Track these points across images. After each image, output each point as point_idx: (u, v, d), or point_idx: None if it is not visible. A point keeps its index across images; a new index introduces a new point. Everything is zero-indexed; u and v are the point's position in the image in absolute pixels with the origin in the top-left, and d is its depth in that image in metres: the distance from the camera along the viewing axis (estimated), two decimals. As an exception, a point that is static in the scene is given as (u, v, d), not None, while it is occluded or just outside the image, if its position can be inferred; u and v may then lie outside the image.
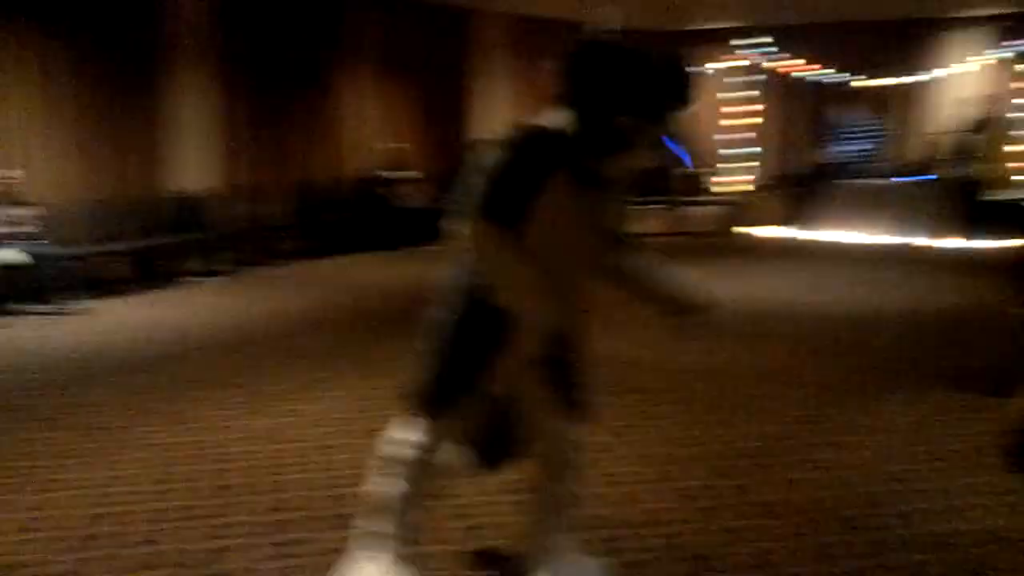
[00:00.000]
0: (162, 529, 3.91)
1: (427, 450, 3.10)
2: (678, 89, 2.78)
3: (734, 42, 16.49)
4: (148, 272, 10.26)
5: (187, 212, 10.78)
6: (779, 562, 3.60)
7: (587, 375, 3.21)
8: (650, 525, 3.93)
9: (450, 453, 3.18)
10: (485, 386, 2.99)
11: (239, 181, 11.55)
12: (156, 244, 10.35)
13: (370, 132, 13.51)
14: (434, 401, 3.03)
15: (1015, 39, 14.91)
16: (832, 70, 14.63)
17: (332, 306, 9.06)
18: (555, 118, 2.83)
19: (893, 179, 13.63)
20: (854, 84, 14.87)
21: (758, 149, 15.24)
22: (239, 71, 11.41)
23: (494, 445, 3.16)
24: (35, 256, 8.76)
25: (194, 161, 11.07)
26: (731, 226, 14.10)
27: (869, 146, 14.47)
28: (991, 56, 15.11)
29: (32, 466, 4.74)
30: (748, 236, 13.73)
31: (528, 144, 2.79)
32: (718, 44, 17.19)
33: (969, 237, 12.33)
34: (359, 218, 12.70)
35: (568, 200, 2.81)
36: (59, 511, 4.13)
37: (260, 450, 4.94)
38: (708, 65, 15.89)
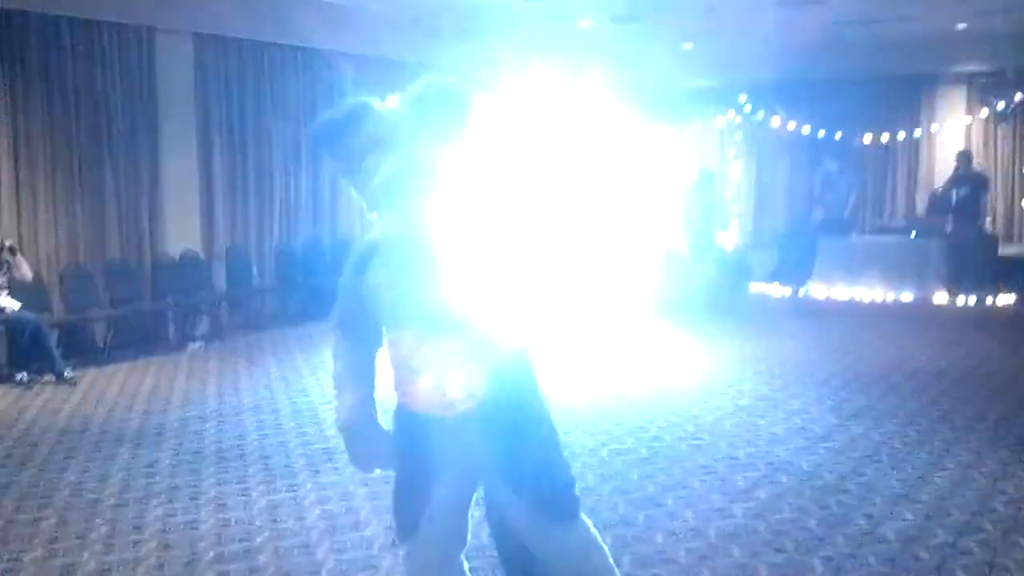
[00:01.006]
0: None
1: None
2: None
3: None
4: (129, 338, 9.84)
5: (168, 275, 10.38)
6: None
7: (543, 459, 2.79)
8: None
9: None
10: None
11: (220, 244, 11.18)
12: (137, 310, 9.93)
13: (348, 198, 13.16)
14: (404, 523, 2.90)
15: (994, 96, 15.01)
16: (820, 128, 14.52)
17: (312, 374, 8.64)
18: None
19: (894, 235, 13.44)
20: (845, 139, 14.79)
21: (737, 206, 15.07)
22: (221, 136, 11.11)
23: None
24: (14, 322, 8.37)
25: (180, 223, 10.71)
26: (725, 282, 13.85)
27: (862, 200, 14.34)
28: (980, 112, 15.17)
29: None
30: (746, 293, 13.48)
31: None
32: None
33: (983, 292, 12.09)
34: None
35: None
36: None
37: (286, 526, 4.66)
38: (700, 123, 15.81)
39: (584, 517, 2.84)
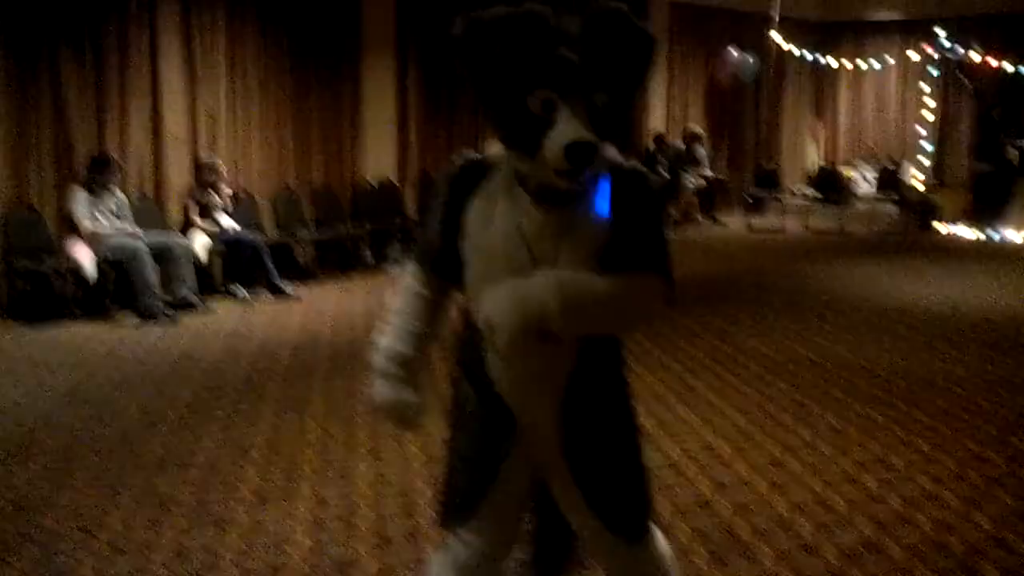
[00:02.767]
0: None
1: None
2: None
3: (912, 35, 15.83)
4: (334, 259, 10.30)
5: (375, 201, 10.77)
6: None
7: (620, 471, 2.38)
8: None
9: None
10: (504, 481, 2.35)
11: (413, 170, 11.48)
12: (347, 232, 10.35)
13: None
14: (454, 510, 2.42)
15: None
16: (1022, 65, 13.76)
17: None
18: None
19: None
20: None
21: (928, 145, 14.46)
22: (420, 65, 11.35)
23: (549, 553, 2.61)
24: (234, 242, 8.84)
25: (376, 151, 11.05)
26: (913, 226, 13.45)
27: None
28: None
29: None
30: (936, 235, 13.07)
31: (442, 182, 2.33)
32: (894, 36, 16.64)
33: None
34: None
35: (504, 231, 2.18)
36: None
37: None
38: (887, 57, 15.22)
39: (657, 534, 2.47)
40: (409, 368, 2.34)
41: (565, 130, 1.98)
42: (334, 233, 10.27)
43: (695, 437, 5.06)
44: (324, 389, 5.95)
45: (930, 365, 6.52)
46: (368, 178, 10.94)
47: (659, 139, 14.14)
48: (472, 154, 2.33)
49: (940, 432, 5.14)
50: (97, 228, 7.98)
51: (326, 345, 7.10)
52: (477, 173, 2.25)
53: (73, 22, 8.38)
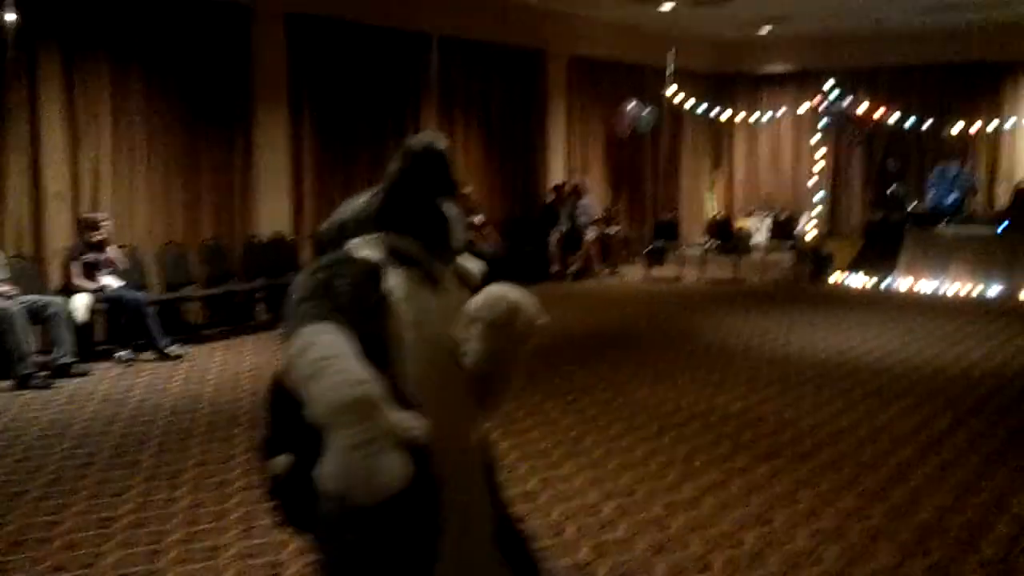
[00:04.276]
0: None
1: None
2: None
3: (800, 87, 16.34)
4: (225, 317, 10.03)
5: (269, 255, 10.55)
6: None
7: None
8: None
9: None
10: None
11: (307, 226, 11.30)
12: (231, 289, 10.09)
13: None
14: None
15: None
16: (909, 115, 14.24)
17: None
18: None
19: (982, 227, 13.10)
20: (933, 129, 14.51)
21: (821, 194, 14.81)
22: (313, 119, 11.25)
23: None
24: (116, 300, 8.53)
25: (269, 207, 10.85)
26: (806, 275, 13.71)
27: (956, 192, 14.06)
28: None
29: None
30: (828, 284, 13.32)
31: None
32: (788, 87, 17.11)
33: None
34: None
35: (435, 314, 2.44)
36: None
37: None
38: (781, 108, 15.60)
39: None
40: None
41: (459, 221, 2.55)
42: (225, 289, 10.01)
43: (580, 496, 4.98)
44: (199, 455, 5.71)
45: (816, 415, 6.57)
46: (261, 232, 10.72)
47: (558, 189, 14.26)
48: (357, 248, 2.41)
49: (822, 486, 5.14)
50: (-34, 289, 7.62)
51: (206, 407, 6.84)
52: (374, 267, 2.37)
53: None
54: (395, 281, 2.34)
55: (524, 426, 6.26)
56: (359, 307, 2.24)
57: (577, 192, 14.44)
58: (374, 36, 11.85)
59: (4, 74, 8.47)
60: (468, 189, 13.08)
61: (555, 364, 8.11)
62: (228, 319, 10.07)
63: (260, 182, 10.74)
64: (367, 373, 2.08)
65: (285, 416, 2.32)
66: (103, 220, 8.75)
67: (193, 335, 9.48)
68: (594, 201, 14.73)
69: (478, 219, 12.94)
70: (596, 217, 14.47)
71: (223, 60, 10.23)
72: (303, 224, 11.23)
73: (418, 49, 12.59)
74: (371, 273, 2.33)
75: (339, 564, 2.31)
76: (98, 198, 9.21)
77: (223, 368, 8.19)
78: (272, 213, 10.87)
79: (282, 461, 2.37)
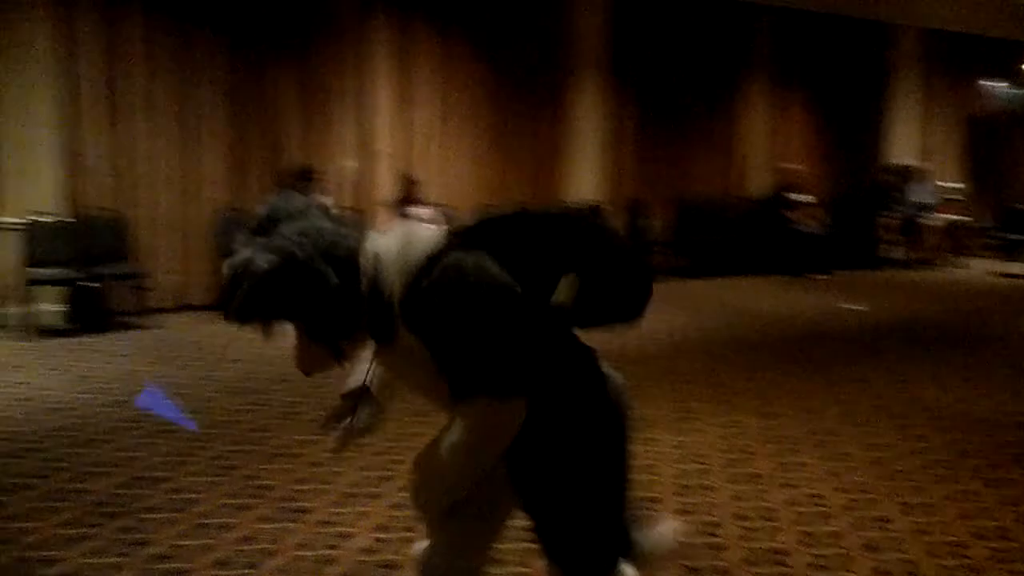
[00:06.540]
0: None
1: None
2: None
3: None
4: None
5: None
6: None
7: None
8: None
9: None
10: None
11: (621, 194, 11.50)
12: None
13: (761, 151, 13.02)
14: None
15: None
16: None
17: (698, 329, 8.68)
18: None
19: None
20: None
21: None
22: (630, 86, 11.39)
23: None
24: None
25: (580, 174, 11.17)
26: None
27: None
28: None
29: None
30: None
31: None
32: None
33: None
34: (745, 239, 12.28)
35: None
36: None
37: (636, 479, 4.70)
38: None
39: None
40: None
41: None
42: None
43: (808, 484, 4.77)
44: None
45: None
46: (571, 200, 11.04)
47: (893, 170, 13.49)
48: None
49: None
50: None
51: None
52: None
53: (289, 39, 9.05)
54: None
55: (777, 408, 6.08)
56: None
57: (914, 174, 13.52)
58: (700, 5, 11.75)
59: (342, 40, 9.36)
60: (797, 166, 12.73)
61: (843, 352, 7.74)
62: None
63: (573, 151, 11.08)
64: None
65: None
66: (417, 179, 9.49)
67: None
68: (934, 186, 13.72)
69: (807, 198, 12.54)
70: (935, 203, 13.47)
71: (542, 31, 10.62)
72: (616, 194, 11.45)
73: (747, 20, 12.33)
74: None
75: None
76: (419, 159, 9.96)
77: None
78: (583, 182, 11.18)
79: None
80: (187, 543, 3.89)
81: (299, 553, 3.82)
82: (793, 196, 12.39)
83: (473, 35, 10.22)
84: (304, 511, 4.24)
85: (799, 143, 13.20)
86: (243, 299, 1.99)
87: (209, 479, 4.62)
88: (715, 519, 4.26)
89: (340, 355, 2.14)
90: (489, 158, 10.51)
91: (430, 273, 2.03)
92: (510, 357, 2.05)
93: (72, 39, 8.07)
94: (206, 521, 4.11)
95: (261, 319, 2.03)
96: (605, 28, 11.14)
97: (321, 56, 9.23)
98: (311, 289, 1.99)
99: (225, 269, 2.02)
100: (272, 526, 4.06)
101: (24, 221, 7.89)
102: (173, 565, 3.69)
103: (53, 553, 3.77)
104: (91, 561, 3.71)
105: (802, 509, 4.44)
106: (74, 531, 3.98)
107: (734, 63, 12.34)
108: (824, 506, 4.49)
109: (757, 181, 12.91)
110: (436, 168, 10.05)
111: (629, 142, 11.52)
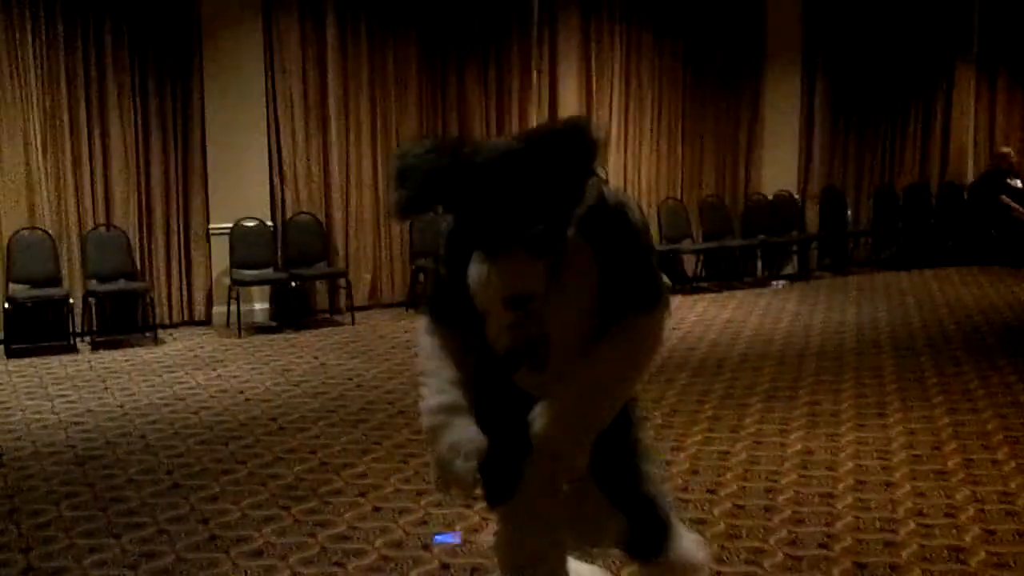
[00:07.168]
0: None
1: None
2: None
3: None
4: (719, 271, 10.40)
5: (770, 214, 10.69)
6: None
7: None
8: None
9: None
10: None
11: (816, 184, 11.20)
12: (726, 245, 10.38)
13: (972, 136, 12.38)
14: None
15: None
16: None
17: (892, 322, 8.32)
18: None
19: None
20: None
21: None
22: (827, 78, 11.06)
23: None
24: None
25: (774, 164, 10.95)
26: None
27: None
28: None
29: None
30: None
31: None
32: None
33: None
34: (956, 227, 11.66)
35: None
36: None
37: (813, 475, 4.63)
38: None
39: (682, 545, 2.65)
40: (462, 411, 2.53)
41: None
42: (720, 244, 10.32)
43: (997, 483, 4.51)
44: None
45: None
46: (764, 191, 10.84)
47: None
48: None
49: None
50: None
51: (663, 354, 7.23)
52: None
53: (476, 42, 9.28)
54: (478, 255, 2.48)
55: (970, 404, 5.77)
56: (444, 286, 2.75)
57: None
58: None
59: (527, 34, 9.51)
60: (1007, 150, 12.02)
61: (982, 353, 7.21)
62: (722, 274, 10.41)
63: (767, 142, 10.86)
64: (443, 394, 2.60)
65: None
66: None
67: (686, 285, 9.96)
68: None
69: (1019, 183, 11.80)
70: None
71: (735, 21, 10.47)
72: (810, 184, 11.16)
73: (956, 6, 11.75)
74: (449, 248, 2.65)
75: None
76: (605, 152, 10.01)
77: (699, 318, 8.54)
78: (777, 173, 10.94)
79: None
80: (365, 525, 4.10)
81: (470, 538, 3.96)
82: (1011, 182, 11.64)
83: (661, 27, 10.16)
84: (478, 498, 4.37)
85: (1013, 128, 12.45)
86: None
87: (390, 465, 4.84)
88: (893, 515, 4.11)
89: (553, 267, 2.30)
90: (678, 152, 10.43)
91: (608, 197, 2.34)
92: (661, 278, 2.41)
93: (277, 52, 8.56)
94: (384, 505, 4.32)
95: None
96: (801, 17, 10.86)
97: (507, 57, 9.42)
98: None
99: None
100: (446, 511, 4.22)
101: (232, 227, 8.45)
102: (352, 546, 3.91)
103: (242, 532, 4.06)
104: (276, 541, 3.97)
105: (987, 507, 4.21)
106: (264, 512, 4.27)
107: (940, 49, 11.76)
108: (1011, 504, 4.25)
109: (962, 168, 12.28)
110: (625, 163, 10.08)
111: (822, 134, 11.18)
